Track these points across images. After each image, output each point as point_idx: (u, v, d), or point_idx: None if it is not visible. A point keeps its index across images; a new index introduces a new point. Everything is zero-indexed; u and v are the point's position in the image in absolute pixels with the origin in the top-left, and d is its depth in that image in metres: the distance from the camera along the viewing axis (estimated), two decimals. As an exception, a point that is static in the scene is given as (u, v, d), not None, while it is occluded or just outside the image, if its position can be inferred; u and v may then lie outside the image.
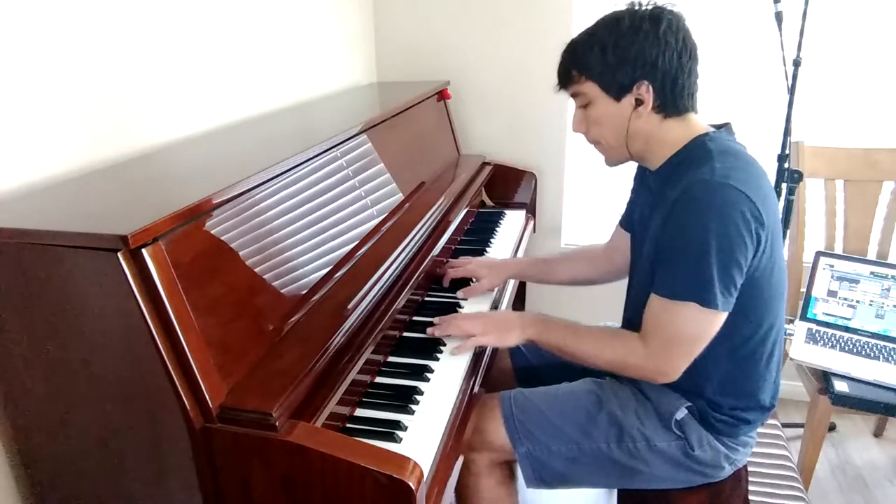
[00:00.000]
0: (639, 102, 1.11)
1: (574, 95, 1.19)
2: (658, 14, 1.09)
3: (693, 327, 1.07)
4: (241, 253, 1.01)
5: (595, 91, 1.14)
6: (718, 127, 1.17)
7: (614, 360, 1.17)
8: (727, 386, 1.17)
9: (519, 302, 2.32)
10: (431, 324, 1.32)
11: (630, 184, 1.38)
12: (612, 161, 1.24)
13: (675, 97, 1.11)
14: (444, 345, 1.29)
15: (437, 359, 1.25)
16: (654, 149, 1.17)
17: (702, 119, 1.18)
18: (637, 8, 1.11)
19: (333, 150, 1.38)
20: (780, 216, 1.82)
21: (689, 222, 1.04)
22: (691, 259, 1.04)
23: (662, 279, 1.09)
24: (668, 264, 1.08)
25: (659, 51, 1.08)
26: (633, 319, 1.29)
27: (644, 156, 1.20)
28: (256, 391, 0.90)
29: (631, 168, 1.29)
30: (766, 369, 1.18)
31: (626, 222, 1.44)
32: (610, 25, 1.11)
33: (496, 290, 1.57)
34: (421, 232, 1.47)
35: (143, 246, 0.83)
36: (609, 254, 1.51)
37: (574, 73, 1.15)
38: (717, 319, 1.07)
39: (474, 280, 1.55)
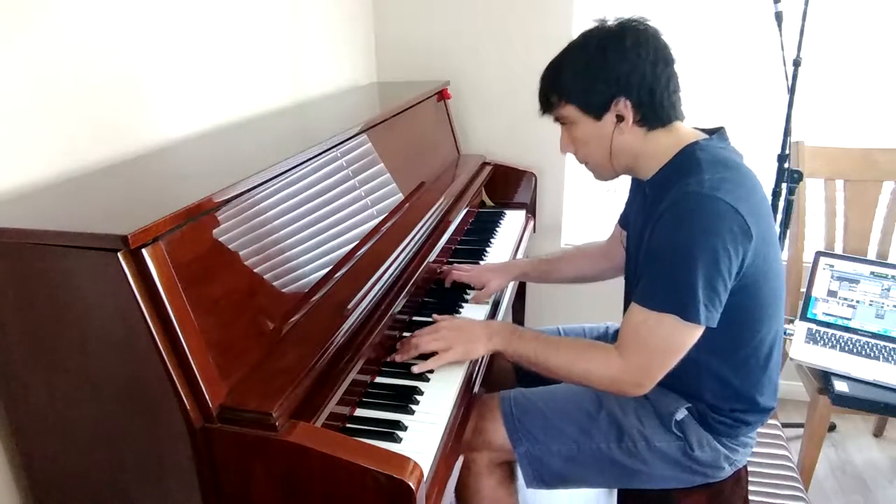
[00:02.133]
0: (620, 119, 1.12)
1: (557, 119, 1.20)
2: (623, 29, 1.10)
3: (672, 339, 1.06)
4: (241, 253, 1.01)
5: (575, 113, 1.15)
6: (711, 132, 1.17)
7: (588, 372, 1.13)
8: (726, 389, 1.17)
9: (519, 302, 2.32)
10: (432, 324, 1.32)
11: (629, 183, 1.38)
12: (603, 178, 1.24)
13: (655, 109, 1.11)
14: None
15: (437, 359, 1.25)
16: (644, 162, 1.17)
17: (691, 125, 1.17)
18: (603, 26, 1.12)
19: (333, 150, 1.38)
20: (780, 217, 1.83)
21: (677, 234, 1.04)
22: (676, 271, 1.03)
23: (645, 289, 1.08)
24: (652, 274, 1.08)
25: (630, 65, 1.08)
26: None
27: (634, 170, 1.20)
28: (256, 391, 0.90)
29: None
30: (765, 372, 1.18)
31: (624, 221, 1.44)
32: (579, 48, 1.13)
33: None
34: (421, 232, 1.47)
35: (143, 246, 0.83)
36: (608, 251, 1.51)
37: (553, 98, 1.17)
38: (696, 333, 1.06)
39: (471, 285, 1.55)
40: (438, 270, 1.57)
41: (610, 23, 1.12)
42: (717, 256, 1.01)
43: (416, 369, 1.18)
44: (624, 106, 1.10)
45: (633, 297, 1.10)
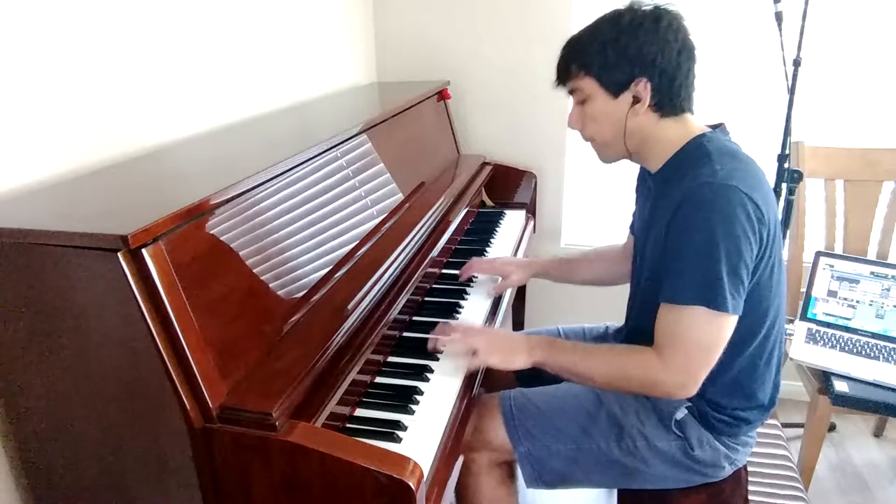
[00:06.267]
0: (636, 100, 1.12)
1: (572, 91, 1.19)
2: (659, 13, 1.10)
3: (707, 333, 1.05)
4: (241, 253, 1.01)
5: (593, 87, 1.14)
6: (713, 127, 1.18)
7: (629, 378, 1.12)
8: (728, 386, 1.17)
9: (519, 301, 2.32)
10: (432, 324, 1.32)
11: (630, 183, 1.38)
12: (607, 158, 1.24)
13: (672, 96, 1.11)
14: (445, 345, 1.29)
15: (438, 359, 1.25)
16: (652, 148, 1.17)
17: (698, 119, 1.18)
18: (638, 6, 1.12)
19: (333, 150, 1.38)
20: (780, 216, 1.83)
21: (696, 226, 1.03)
22: (699, 263, 1.03)
23: (670, 286, 1.07)
24: (675, 270, 1.07)
25: (658, 49, 1.08)
26: (634, 325, 1.29)
27: (641, 154, 1.20)
28: (256, 391, 0.90)
29: (631, 168, 1.29)
30: (767, 369, 1.18)
31: (633, 228, 1.44)
32: (611, 22, 1.12)
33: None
34: (421, 232, 1.47)
35: (143, 246, 0.83)
36: (626, 255, 1.50)
37: (573, 68, 1.16)
38: (728, 323, 1.05)
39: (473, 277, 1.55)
40: (462, 271, 1.58)
41: (644, 4, 1.12)
42: (739, 243, 1.01)
43: (469, 363, 1.19)
44: (644, 87, 1.10)
45: (661, 298, 1.08)
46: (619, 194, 2.29)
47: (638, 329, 1.16)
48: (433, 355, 1.26)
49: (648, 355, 1.10)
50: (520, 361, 1.19)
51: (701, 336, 1.06)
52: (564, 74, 1.18)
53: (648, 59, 1.09)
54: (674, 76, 1.10)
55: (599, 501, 1.88)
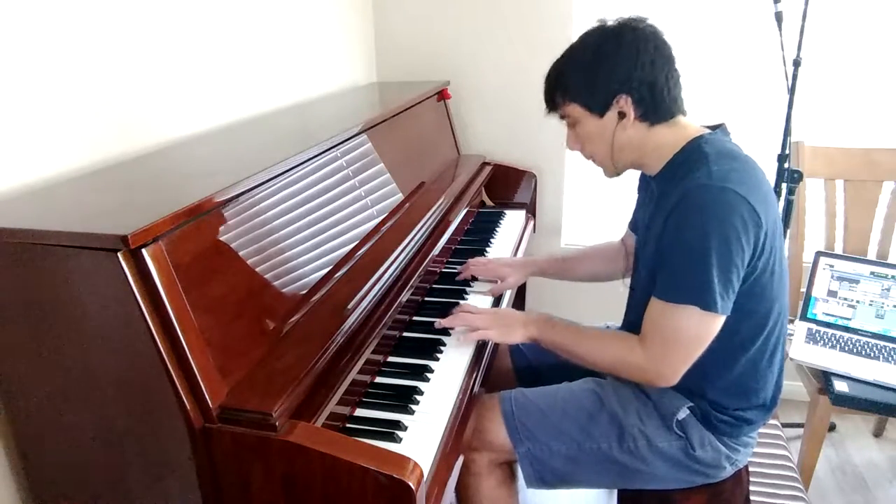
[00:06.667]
0: (622, 115, 1.14)
1: (562, 117, 1.23)
2: (622, 29, 1.13)
3: (692, 330, 1.08)
4: (241, 253, 1.01)
5: (579, 111, 1.18)
6: (713, 128, 1.18)
7: (614, 361, 1.17)
8: (730, 386, 1.17)
9: (519, 300, 2.32)
10: (432, 324, 1.32)
11: (630, 183, 1.39)
12: (611, 173, 1.26)
13: (656, 104, 1.13)
14: (444, 345, 1.30)
15: (437, 359, 1.26)
16: (650, 156, 1.18)
17: (694, 120, 1.19)
18: (603, 26, 1.15)
19: (333, 150, 1.38)
20: (780, 216, 1.83)
21: (689, 227, 1.05)
22: (691, 263, 1.04)
23: (662, 283, 1.10)
24: (668, 268, 1.09)
25: (629, 63, 1.11)
26: (634, 322, 1.29)
27: (641, 164, 1.22)
28: (256, 391, 0.90)
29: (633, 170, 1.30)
30: (769, 368, 1.18)
31: (633, 225, 1.45)
32: (580, 48, 1.17)
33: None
34: (421, 232, 1.47)
35: (143, 246, 0.83)
36: (622, 250, 1.52)
37: (558, 97, 1.21)
38: (715, 322, 1.07)
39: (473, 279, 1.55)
40: (458, 271, 1.58)
41: (610, 23, 1.15)
42: (730, 246, 1.03)
43: (458, 338, 1.29)
44: (625, 102, 1.13)
45: (653, 292, 1.11)
46: (619, 194, 2.28)
47: (637, 326, 1.17)
48: (433, 355, 1.26)
49: (633, 343, 1.14)
50: (517, 336, 1.27)
51: (687, 333, 1.08)
52: (552, 104, 1.23)
53: (622, 76, 1.11)
54: (653, 85, 1.11)
55: (599, 501, 1.88)
